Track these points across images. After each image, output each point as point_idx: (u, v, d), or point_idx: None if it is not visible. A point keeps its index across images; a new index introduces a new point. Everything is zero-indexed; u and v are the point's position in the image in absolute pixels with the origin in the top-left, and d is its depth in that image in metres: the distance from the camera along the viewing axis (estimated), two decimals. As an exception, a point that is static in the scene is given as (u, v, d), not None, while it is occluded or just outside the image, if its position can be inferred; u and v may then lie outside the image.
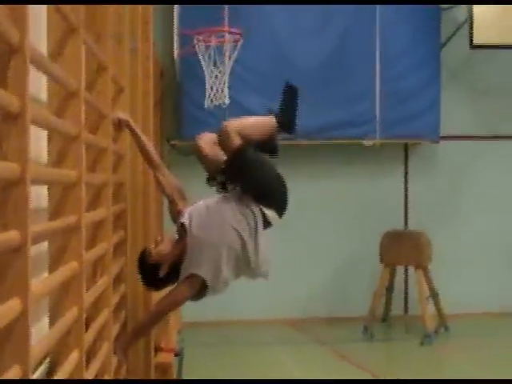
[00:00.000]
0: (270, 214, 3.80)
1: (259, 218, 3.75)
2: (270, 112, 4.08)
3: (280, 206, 3.88)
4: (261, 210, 3.77)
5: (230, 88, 7.13)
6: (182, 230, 3.74)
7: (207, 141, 3.99)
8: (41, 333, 2.37)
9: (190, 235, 3.69)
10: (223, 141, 3.83)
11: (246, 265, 3.74)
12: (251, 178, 3.80)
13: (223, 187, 3.89)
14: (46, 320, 2.49)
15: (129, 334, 3.80)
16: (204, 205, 3.78)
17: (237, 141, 3.79)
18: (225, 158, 3.90)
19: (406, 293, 8.52)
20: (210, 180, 3.95)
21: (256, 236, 3.73)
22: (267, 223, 3.82)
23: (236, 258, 3.69)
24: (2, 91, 1.58)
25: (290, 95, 4.15)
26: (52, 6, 2.31)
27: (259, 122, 4.02)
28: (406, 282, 8.47)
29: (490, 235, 8.55)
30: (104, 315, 2.99)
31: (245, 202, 3.76)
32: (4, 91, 1.61)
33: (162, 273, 3.70)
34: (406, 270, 8.33)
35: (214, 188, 3.98)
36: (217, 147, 3.95)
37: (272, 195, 3.85)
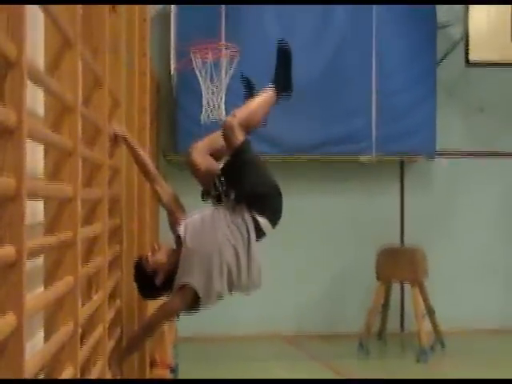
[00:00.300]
0: (263, 222, 3.78)
1: (251, 227, 3.74)
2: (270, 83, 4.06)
3: (273, 212, 3.86)
4: (254, 218, 3.76)
5: (226, 103, 7.14)
6: (179, 241, 3.75)
7: (200, 151, 3.98)
8: (35, 348, 2.36)
9: (185, 246, 3.70)
10: (228, 136, 3.84)
11: (239, 276, 3.73)
12: (248, 176, 3.79)
13: (218, 200, 3.89)
14: (40, 335, 2.47)
15: (123, 347, 3.79)
16: (199, 216, 3.79)
17: (240, 137, 3.80)
18: (218, 167, 3.90)
19: (402, 309, 8.50)
20: (205, 195, 3.95)
21: (249, 247, 3.72)
22: (261, 232, 3.81)
23: (229, 268, 3.69)
24: (-2, 105, 1.58)
25: (284, 56, 4.15)
26: (49, 21, 2.31)
27: (261, 104, 4.03)
28: (401, 298, 8.46)
29: (486, 251, 8.55)
30: (99, 330, 2.98)
31: (238, 212, 3.75)
32: (1, 105, 1.61)
33: (158, 281, 3.69)
34: (402, 286, 8.31)
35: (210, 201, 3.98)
36: (210, 158, 3.96)
37: (266, 198, 3.84)
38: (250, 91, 4.19)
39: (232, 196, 3.81)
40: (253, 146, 3.90)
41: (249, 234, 3.72)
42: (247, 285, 3.78)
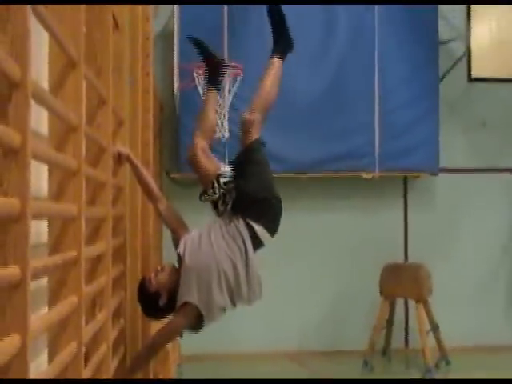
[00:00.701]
0: (260, 230, 3.77)
1: (247, 238, 3.72)
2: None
3: (271, 220, 3.85)
4: (250, 225, 3.74)
5: (229, 122, 7.16)
6: (180, 259, 3.75)
7: (202, 148, 4.00)
8: (39, 368, 2.35)
9: (183, 264, 3.70)
10: (247, 131, 3.89)
11: (238, 288, 3.72)
12: (253, 176, 3.81)
13: (215, 207, 3.89)
14: (44, 355, 2.47)
15: (127, 367, 3.78)
16: (198, 233, 3.80)
17: (255, 135, 3.82)
18: (219, 168, 3.92)
19: (407, 326, 8.47)
20: (203, 195, 3.95)
21: (247, 257, 3.71)
22: (258, 241, 3.80)
23: (227, 281, 3.68)
24: (2, 126, 1.58)
25: (276, 14, 4.19)
26: (53, 41, 2.32)
27: (273, 83, 4.08)
28: (406, 314, 8.43)
29: (490, 268, 8.52)
30: (103, 350, 2.97)
31: (233, 223, 3.74)
32: (5, 126, 1.61)
33: (161, 301, 3.69)
34: (406, 303, 8.29)
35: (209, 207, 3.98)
36: (211, 156, 3.99)
37: (265, 203, 3.84)
38: (202, 49, 4.23)
39: (229, 204, 3.80)
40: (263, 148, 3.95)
41: (245, 245, 3.71)
42: (248, 296, 3.77)
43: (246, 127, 3.96)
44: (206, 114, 4.10)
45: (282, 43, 4.15)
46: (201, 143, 4.00)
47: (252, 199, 3.80)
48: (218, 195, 3.85)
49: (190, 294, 3.63)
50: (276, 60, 4.13)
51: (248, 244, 3.72)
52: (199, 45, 4.26)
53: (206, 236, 3.74)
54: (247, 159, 3.90)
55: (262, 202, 3.82)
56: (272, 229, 3.84)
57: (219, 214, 3.88)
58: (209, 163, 3.96)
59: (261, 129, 4.01)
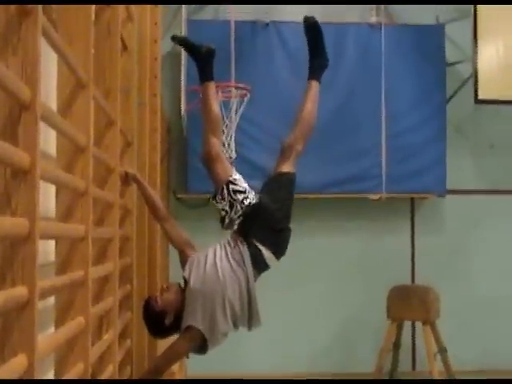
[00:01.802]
0: (268, 255, 3.76)
1: (248, 262, 3.70)
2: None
3: (282, 247, 3.84)
4: (257, 250, 3.73)
5: (236, 143, 7.17)
6: (185, 280, 3.75)
7: (217, 150, 3.98)
8: (46, 389, 2.34)
9: (188, 286, 3.69)
10: (286, 157, 3.88)
11: (242, 315, 3.71)
12: (278, 200, 3.81)
13: (222, 219, 3.88)
14: (51, 375, 2.46)
15: (133, 389, 3.77)
16: (204, 255, 3.78)
17: (293, 167, 3.90)
18: (230, 174, 3.91)
19: (414, 349, 8.42)
20: (212, 198, 3.94)
21: (248, 282, 3.70)
22: (264, 266, 3.78)
23: (232, 309, 3.66)
24: (12, 147, 1.60)
25: (314, 31, 4.13)
26: (62, 62, 2.34)
27: (314, 105, 4.08)
28: (413, 337, 8.38)
29: (499, 291, 8.48)
30: (109, 370, 2.97)
31: (237, 246, 3.73)
32: (14, 147, 1.62)
33: (167, 321, 3.68)
34: (414, 326, 8.25)
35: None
36: (224, 161, 3.97)
37: (282, 234, 3.84)
38: (188, 46, 4.16)
39: (236, 219, 3.79)
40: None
41: (247, 271, 3.70)
42: (250, 322, 3.75)
43: (285, 151, 3.94)
44: (210, 109, 4.03)
45: (319, 63, 4.14)
46: (215, 145, 3.97)
47: (270, 221, 3.78)
48: (225, 202, 3.83)
49: (194, 318, 3.62)
50: (314, 82, 4.12)
51: (250, 270, 3.70)
52: (183, 42, 4.22)
53: (211, 259, 3.72)
54: (281, 184, 3.87)
55: (278, 230, 3.82)
56: (279, 254, 3.84)
57: (224, 226, 3.86)
58: (221, 168, 3.93)
59: (297, 160, 4.00)
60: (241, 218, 3.79)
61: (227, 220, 3.82)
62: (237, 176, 3.94)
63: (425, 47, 8.24)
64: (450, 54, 8.39)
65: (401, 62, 8.20)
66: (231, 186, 3.86)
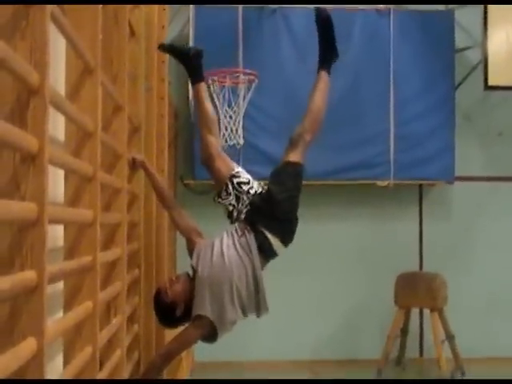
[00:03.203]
0: (275, 243, 3.77)
1: (255, 250, 3.71)
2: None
3: (288, 235, 3.84)
4: (265, 238, 3.73)
5: (244, 130, 7.17)
6: (193, 271, 3.75)
7: (216, 149, 4.00)
8: (54, 372, 2.36)
9: (196, 275, 3.69)
10: (295, 145, 3.86)
11: (249, 302, 3.71)
12: (287, 190, 3.80)
13: (229, 214, 3.88)
14: (60, 359, 2.48)
15: (141, 374, 3.79)
16: (210, 243, 3.79)
17: (301, 157, 3.86)
18: (232, 168, 3.91)
19: (421, 335, 8.43)
20: (216, 197, 3.95)
21: (255, 272, 3.70)
22: (272, 253, 3.79)
23: (239, 297, 3.67)
24: (21, 132, 1.60)
25: (325, 24, 4.10)
26: (70, 47, 2.34)
27: (323, 99, 4.05)
28: (420, 324, 8.39)
29: (507, 277, 8.46)
30: (117, 355, 2.98)
31: (245, 237, 3.73)
32: (23, 132, 1.62)
33: (178, 312, 3.69)
34: (421, 312, 8.25)
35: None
36: (224, 158, 3.97)
37: (290, 224, 3.84)
38: (175, 52, 4.13)
39: (244, 209, 3.80)
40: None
41: (254, 259, 3.70)
42: (258, 309, 3.76)
43: (294, 141, 3.94)
44: (204, 109, 4.05)
45: (329, 54, 4.11)
46: (214, 144, 3.99)
47: (278, 211, 3.77)
48: (231, 197, 3.84)
49: (203, 306, 3.63)
50: (324, 73, 4.10)
51: (256, 258, 3.70)
52: (171, 49, 4.21)
53: (219, 248, 3.73)
54: (289, 175, 3.85)
55: (285, 220, 3.82)
56: (287, 241, 3.84)
57: (233, 220, 3.87)
58: (223, 165, 3.95)
59: (306, 151, 3.98)
60: (248, 207, 3.80)
61: (235, 213, 3.83)
62: (239, 169, 3.95)
63: (434, 33, 8.19)
64: (460, 40, 8.34)
65: (409, 48, 8.16)
66: (235, 180, 3.87)
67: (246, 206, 3.81)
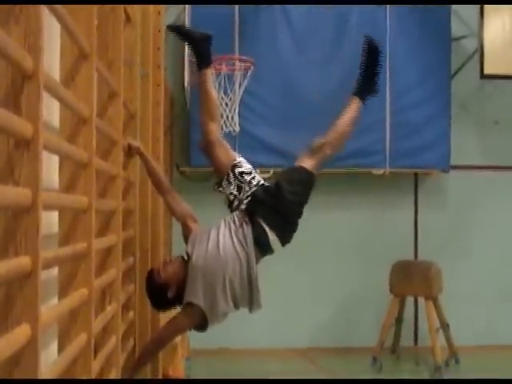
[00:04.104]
0: (273, 239, 3.76)
1: (251, 248, 3.70)
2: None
3: (288, 235, 3.84)
4: (264, 233, 3.72)
5: (240, 117, 7.15)
6: (188, 256, 3.74)
7: (218, 138, 3.97)
8: (49, 359, 2.35)
9: (190, 263, 3.68)
10: (312, 154, 3.86)
11: (242, 296, 3.70)
12: (296, 193, 3.79)
13: (230, 204, 3.87)
14: (54, 346, 2.47)
15: (136, 359, 3.79)
16: (207, 232, 3.77)
17: (315, 170, 3.86)
18: (234, 157, 3.90)
19: (416, 324, 8.45)
20: (217, 186, 3.93)
21: (250, 266, 3.69)
22: (267, 247, 3.78)
23: (232, 289, 3.66)
24: (15, 117, 1.59)
25: (373, 55, 4.06)
26: (65, 32, 2.32)
27: (351, 123, 4.04)
28: (415, 312, 8.41)
29: (501, 266, 8.49)
30: (112, 342, 2.98)
31: (243, 229, 3.72)
32: (17, 117, 1.61)
33: (170, 293, 3.68)
34: (416, 301, 8.27)
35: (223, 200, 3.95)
36: (225, 146, 3.96)
37: (293, 222, 3.84)
38: (184, 35, 4.11)
39: (243, 201, 3.78)
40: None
41: (249, 253, 3.69)
42: (250, 304, 3.75)
43: (314, 149, 3.92)
44: (208, 95, 4.02)
45: (369, 86, 4.09)
46: (214, 131, 3.96)
47: (284, 210, 3.77)
48: (233, 186, 3.82)
49: (195, 294, 3.63)
50: (357, 100, 4.08)
51: (251, 251, 3.69)
52: (178, 31, 4.18)
53: (215, 237, 3.71)
54: (302, 180, 3.84)
55: (289, 220, 3.82)
56: (284, 240, 3.83)
57: (232, 210, 3.85)
58: (223, 153, 3.93)
59: (321, 165, 3.97)
60: (249, 197, 3.79)
61: (236, 202, 3.81)
62: (240, 158, 3.93)
63: (430, 22, 8.17)
64: (456, 29, 8.33)
65: (405, 37, 8.14)
66: (237, 169, 3.86)
67: (247, 197, 3.80)
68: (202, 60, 4.04)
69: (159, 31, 4.51)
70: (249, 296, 3.70)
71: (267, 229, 3.72)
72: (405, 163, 8.13)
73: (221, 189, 3.89)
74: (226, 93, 7.00)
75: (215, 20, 7.71)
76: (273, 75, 7.91)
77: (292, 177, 3.83)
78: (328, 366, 7.64)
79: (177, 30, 4.17)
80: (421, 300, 7.77)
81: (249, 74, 6.99)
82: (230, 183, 3.84)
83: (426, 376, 7.16)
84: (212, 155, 3.94)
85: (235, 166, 3.87)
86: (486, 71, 8.18)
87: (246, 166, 3.90)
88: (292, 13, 7.99)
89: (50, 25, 2.27)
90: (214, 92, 4.10)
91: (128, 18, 3.73)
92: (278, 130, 7.92)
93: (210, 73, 4.10)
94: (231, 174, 3.85)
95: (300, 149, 8.19)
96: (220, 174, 3.92)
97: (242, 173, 3.85)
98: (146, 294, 3.78)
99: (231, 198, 3.84)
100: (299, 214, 3.88)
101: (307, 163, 3.89)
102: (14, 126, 1.56)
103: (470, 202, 8.51)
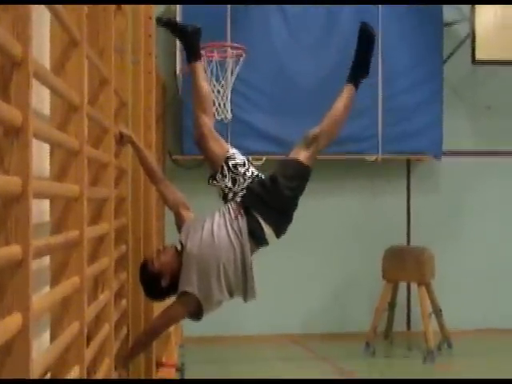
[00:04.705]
0: (268, 232, 3.76)
1: (246, 239, 3.69)
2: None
3: (282, 228, 3.85)
4: (259, 226, 3.72)
5: (232, 104, 7.13)
6: (181, 245, 3.74)
7: (210, 131, 3.96)
8: (41, 347, 2.35)
9: (185, 252, 3.68)
10: (307, 145, 3.85)
11: (237, 285, 3.70)
12: (292, 188, 3.79)
13: (224, 196, 3.86)
14: (46, 335, 2.47)
15: (129, 348, 3.79)
16: (201, 221, 3.76)
17: (310, 162, 3.84)
18: (227, 150, 3.89)
19: (409, 309, 8.48)
20: (211, 178, 3.92)
21: (244, 257, 3.68)
22: (262, 240, 3.78)
23: (227, 278, 3.66)
24: (4, 105, 1.57)
25: (367, 40, 4.07)
26: (55, 20, 2.30)
27: (346, 110, 4.06)
28: (408, 298, 8.44)
29: (493, 251, 8.52)
30: (105, 330, 2.97)
31: (238, 221, 3.71)
32: (6, 105, 1.60)
33: (164, 283, 3.68)
34: (409, 286, 8.29)
35: (217, 192, 3.94)
36: (218, 139, 3.94)
37: (288, 218, 3.85)
38: (173, 28, 4.10)
39: (238, 194, 3.78)
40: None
41: (244, 244, 3.68)
42: (245, 294, 3.75)
43: (308, 140, 3.90)
44: (200, 88, 4.01)
45: (361, 71, 4.08)
46: (207, 124, 3.95)
47: (280, 204, 3.77)
48: (227, 179, 3.81)
49: (190, 283, 3.62)
50: (351, 87, 4.07)
51: (246, 242, 3.69)
52: (168, 24, 4.16)
53: (209, 226, 3.70)
54: (297, 174, 3.82)
55: (285, 214, 3.82)
56: (279, 233, 3.83)
57: (227, 201, 3.84)
58: (217, 146, 3.91)
59: (316, 157, 3.96)
60: (245, 190, 3.78)
61: (231, 195, 3.80)
62: (233, 150, 3.92)
63: (422, 7, 8.16)
64: (448, 14, 8.32)
65: (397, 23, 8.14)
66: (230, 162, 3.84)
67: (242, 189, 3.79)
68: (192, 53, 4.04)
69: (150, 18, 4.49)
70: (243, 285, 3.70)
71: (263, 223, 3.73)
72: (397, 149, 8.14)
73: (215, 182, 3.88)
74: (218, 80, 6.98)
75: (207, 7, 7.69)
76: (265, 62, 7.90)
77: (288, 171, 3.82)
78: (322, 351, 7.67)
79: (166, 23, 4.15)
80: (413, 285, 7.81)
81: (241, 60, 6.97)
82: (224, 176, 3.83)
83: (418, 361, 7.19)
84: (205, 148, 3.92)
85: (228, 158, 3.86)
86: (478, 56, 8.19)
87: (240, 158, 3.89)
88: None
89: (40, 12, 2.25)
90: (205, 85, 4.08)
91: (119, 5, 3.71)
92: (270, 117, 7.92)
93: (200, 65, 4.09)
94: (225, 167, 3.83)
95: (292, 135, 8.19)
96: (213, 167, 3.90)
97: (235, 165, 3.84)
98: (140, 283, 3.77)
99: (226, 190, 3.83)
100: (295, 207, 3.88)
101: (302, 155, 3.87)
102: (4, 114, 1.55)
103: (462, 187, 8.54)
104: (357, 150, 8.07)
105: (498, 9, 8.27)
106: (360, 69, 4.06)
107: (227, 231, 3.67)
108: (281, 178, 3.76)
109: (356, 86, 4.07)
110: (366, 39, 4.06)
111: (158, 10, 6.97)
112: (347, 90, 4.06)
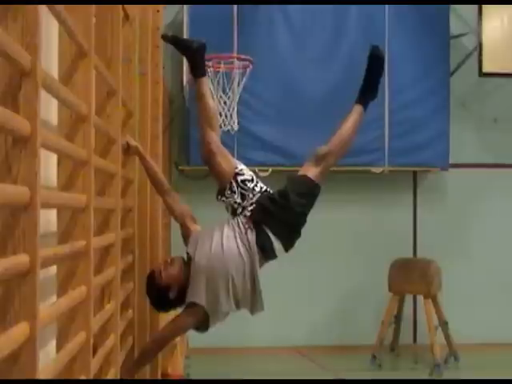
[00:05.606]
0: (277, 244, 3.77)
1: (255, 253, 3.70)
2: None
3: (290, 242, 3.86)
4: (268, 240, 3.73)
5: (238, 115, 7.14)
6: (189, 256, 3.74)
7: (218, 147, 3.96)
8: (48, 357, 2.35)
9: (193, 263, 3.68)
10: (316, 163, 3.85)
11: (244, 298, 3.70)
12: (302, 204, 3.81)
13: (233, 211, 3.86)
14: (53, 344, 2.47)
15: (135, 359, 3.78)
16: (209, 233, 3.76)
17: (319, 180, 3.89)
18: (235, 166, 3.89)
19: (415, 322, 8.45)
20: (220, 195, 3.92)
21: (253, 270, 3.69)
22: (272, 253, 3.78)
23: (235, 291, 3.66)
24: (12, 114, 1.58)
25: (377, 63, 4.11)
26: (63, 30, 2.32)
27: (354, 129, 4.07)
28: (414, 310, 8.41)
29: (501, 264, 8.49)
30: (111, 340, 2.97)
31: (247, 235, 3.71)
32: (15, 114, 1.61)
33: (171, 295, 3.68)
34: (415, 299, 8.27)
35: (224, 206, 3.94)
36: (226, 155, 3.94)
37: (297, 234, 3.87)
38: (178, 44, 4.11)
39: (247, 208, 3.78)
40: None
41: (254, 257, 3.69)
42: (252, 307, 3.75)
43: (318, 158, 3.93)
44: (205, 104, 4.02)
45: (370, 93, 4.11)
46: (215, 140, 3.95)
47: (291, 221, 3.80)
48: (236, 195, 3.82)
49: (199, 295, 3.63)
50: (359, 107, 4.10)
51: (255, 256, 3.69)
52: (174, 40, 4.16)
53: (219, 238, 3.70)
54: (308, 191, 3.87)
55: (294, 230, 3.83)
56: (288, 247, 3.85)
57: (236, 215, 3.85)
58: (225, 162, 3.91)
59: (325, 175, 3.97)
60: (254, 205, 3.78)
61: (240, 209, 3.81)
62: (241, 166, 3.93)
63: (429, 19, 8.17)
64: (454, 27, 8.33)
65: (404, 35, 8.14)
66: (239, 177, 3.85)
67: (251, 204, 3.80)
68: (197, 69, 4.05)
69: (158, 29, 4.51)
70: (251, 298, 3.70)
71: (273, 237, 3.74)
72: (404, 161, 8.13)
73: (223, 198, 3.88)
74: (224, 91, 6.99)
75: (213, 17, 7.72)
76: (271, 73, 7.91)
77: (299, 188, 3.84)
78: (327, 364, 7.64)
79: (171, 39, 4.16)
80: (420, 298, 7.78)
81: (247, 72, 6.98)
82: (233, 192, 3.83)
83: (425, 374, 7.16)
84: (214, 164, 3.91)
85: (237, 174, 3.87)
86: (485, 69, 8.19)
87: (248, 173, 3.91)
88: (290, 9, 7.99)
89: (48, 23, 2.26)
90: (210, 100, 4.09)
91: (126, 16, 3.73)
92: (276, 128, 7.92)
93: (205, 81, 4.11)
94: (234, 183, 3.84)
95: (299, 147, 8.20)
96: (221, 183, 3.90)
97: (244, 180, 3.85)
98: (147, 295, 3.78)
99: (235, 206, 3.84)
100: (304, 222, 3.92)
101: (312, 172, 3.91)
102: (12, 124, 1.56)
103: (469, 199, 8.51)
104: (363, 162, 8.07)
105: (505, 21, 8.28)
106: (369, 92, 4.09)
107: (237, 244, 3.68)
108: (292, 195, 3.79)
109: (365, 107, 4.09)
110: (376, 63, 4.09)
111: (165, 19, 6.99)
112: (356, 110, 4.09)
